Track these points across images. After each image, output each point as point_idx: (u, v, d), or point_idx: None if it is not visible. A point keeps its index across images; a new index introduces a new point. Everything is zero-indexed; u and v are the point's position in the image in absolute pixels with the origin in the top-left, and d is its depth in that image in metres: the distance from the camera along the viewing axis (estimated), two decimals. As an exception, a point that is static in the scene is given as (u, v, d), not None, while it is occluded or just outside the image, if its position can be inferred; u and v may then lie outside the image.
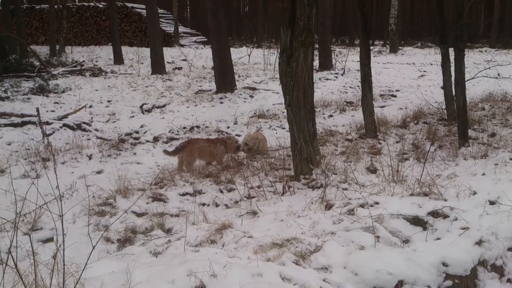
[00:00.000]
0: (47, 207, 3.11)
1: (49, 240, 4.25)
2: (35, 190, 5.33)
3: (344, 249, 3.43)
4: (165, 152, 6.61)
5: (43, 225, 4.50)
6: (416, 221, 3.88)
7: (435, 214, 3.93)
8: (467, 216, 3.87)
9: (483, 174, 5.27)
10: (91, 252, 2.80)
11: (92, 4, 30.88)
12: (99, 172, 6.63)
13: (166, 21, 30.33)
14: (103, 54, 22.74)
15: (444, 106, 9.41)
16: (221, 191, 5.55)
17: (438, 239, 3.66)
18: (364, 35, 7.94)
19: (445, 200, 4.23)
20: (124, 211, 4.54)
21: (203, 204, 5.16)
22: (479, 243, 3.60)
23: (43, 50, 22.95)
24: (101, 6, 29.28)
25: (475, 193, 4.40)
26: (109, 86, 14.01)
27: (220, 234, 3.76)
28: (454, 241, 3.55)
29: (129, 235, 4.27)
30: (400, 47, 29.80)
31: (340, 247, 3.45)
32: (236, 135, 8.91)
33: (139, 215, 4.82)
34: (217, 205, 5.16)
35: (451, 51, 7.70)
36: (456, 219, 3.84)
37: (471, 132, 7.77)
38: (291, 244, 3.46)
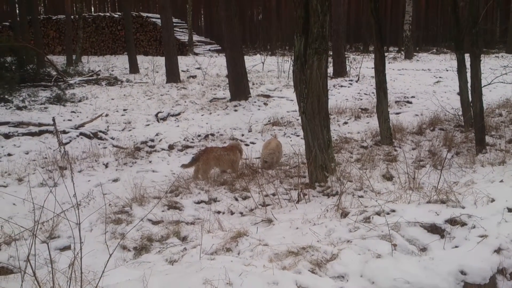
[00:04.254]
0: (64, 216, 3.13)
1: (67, 248, 4.28)
2: (52, 199, 5.40)
3: (361, 257, 3.40)
4: (183, 166, 6.63)
5: (60, 233, 4.54)
6: (434, 229, 3.83)
7: (452, 221, 3.88)
8: (485, 223, 3.81)
9: (501, 181, 5.19)
10: (108, 260, 2.82)
11: (108, 14, 31.32)
12: (115, 180, 6.68)
13: (181, 30, 30.60)
14: (118, 63, 23.01)
15: (460, 113, 9.32)
16: (236, 199, 5.55)
17: (456, 247, 3.61)
18: (378, 42, 7.91)
19: (463, 207, 4.17)
20: (140, 219, 4.57)
21: (218, 212, 5.17)
22: (498, 251, 3.54)
23: (60, 60, 23.28)
24: (116, 16, 29.66)
25: (493, 200, 4.33)
26: (124, 95, 14.17)
27: (236, 242, 3.75)
28: (472, 249, 3.50)
29: (145, 243, 4.29)
30: (415, 53, 29.67)
31: (356, 255, 3.43)
32: (250, 142, 8.95)
33: (155, 223, 4.84)
34: (232, 213, 5.16)
35: (467, 57, 7.63)
36: (474, 227, 3.79)
37: (488, 139, 7.67)
38: (307, 252, 3.44)
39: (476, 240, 3.62)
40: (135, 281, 3.00)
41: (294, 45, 5.87)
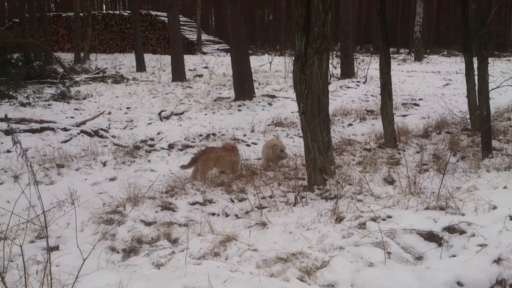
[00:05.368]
0: (36, 221, 3.03)
1: (55, 248, 4.19)
2: (46, 196, 5.31)
3: (352, 265, 3.26)
4: (182, 167, 6.52)
5: (49, 233, 4.43)
6: (431, 237, 3.67)
7: (451, 229, 3.72)
8: (485, 232, 3.65)
9: (505, 187, 5.01)
10: (81, 266, 2.70)
11: (118, 12, 31.34)
12: (112, 179, 6.58)
13: (190, 29, 30.56)
14: (126, 61, 23.00)
15: (468, 116, 9.13)
16: (232, 201, 5.42)
17: (454, 256, 3.46)
18: (384, 43, 7.76)
19: (463, 214, 4.02)
20: (123, 217, 4.47)
21: (213, 214, 5.05)
22: (498, 261, 3.38)
23: (68, 57, 23.34)
24: (126, 14, 29.69)
25: (495, 207, 4.16)
26: (129, 93, 14.11)
27: (224, 247, 3.63)
28: (471, 258, 3.34)
29: (134, 245, 4.17)
30: (425, 56, 29.39)
31: (348, 263, 3.29)
32: (252, 143, 8.83)
33: (148, 224, 4.73)
34: (227, 215, 5.04)
35: (476, 60, 7.45)
36: (473, 235, 3.63)
37: (495, 143, 7.48)
38: (297, 259, 3.31)
39: (475, 249, 3.47)
40: (114, 286, 2.90)
41: (294, 44, 5.75)
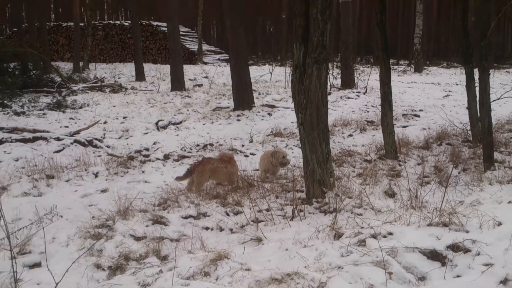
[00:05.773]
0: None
1: (37, 265, 3.98)
2: (32, 209, 5.13)
3: (351, 287, 3.06)
4: (177, 178, 6.32)
5: (32, 249, 4.24)
6: (434, 256, 3.47)
7: (455, 247, 3.52)
8: (490, 250, 3.45)
9: (509, 202, 4.83)
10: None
11: (118, 22, 31.32)
12: (103, 191, 6.37)
13: (191, 39, 30.55)
14: (126, 71, 22.89)
15: (469, 127, 8.98)
16: (227, 214, 5.21)
17: (458, 276, 3.25)
18: (384, 54, 7.63)
19: (467, 231, 3.81)
20: (108, 231, 4.26)
21: (207, 228, 4.83)
22: (504, 282, 3.17)
23: (67, 67, 23.24)
24: (126, 24, 29.66)
25: (500, 223, 3.95)
26: (127, 102, 13.96)
27: (215, 266, 3.42)
28: (476, 279, 3.14)
29: (121, 262, 3.95)
30: (425, 67, 29.35)
31: (347, 285, 3.08)
32: (250, 153, 8.64)
33: (138, 239, 4.52)
34: (221, 230, 4.82)
35: (476, 72, 7.32)
36: (478, 254, 3.43)
37: (497, 155, 7.30)
38: (292, 280, 3.11)
39: (480, 269, 3.27)
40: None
41: (293, 54, 5.61)
